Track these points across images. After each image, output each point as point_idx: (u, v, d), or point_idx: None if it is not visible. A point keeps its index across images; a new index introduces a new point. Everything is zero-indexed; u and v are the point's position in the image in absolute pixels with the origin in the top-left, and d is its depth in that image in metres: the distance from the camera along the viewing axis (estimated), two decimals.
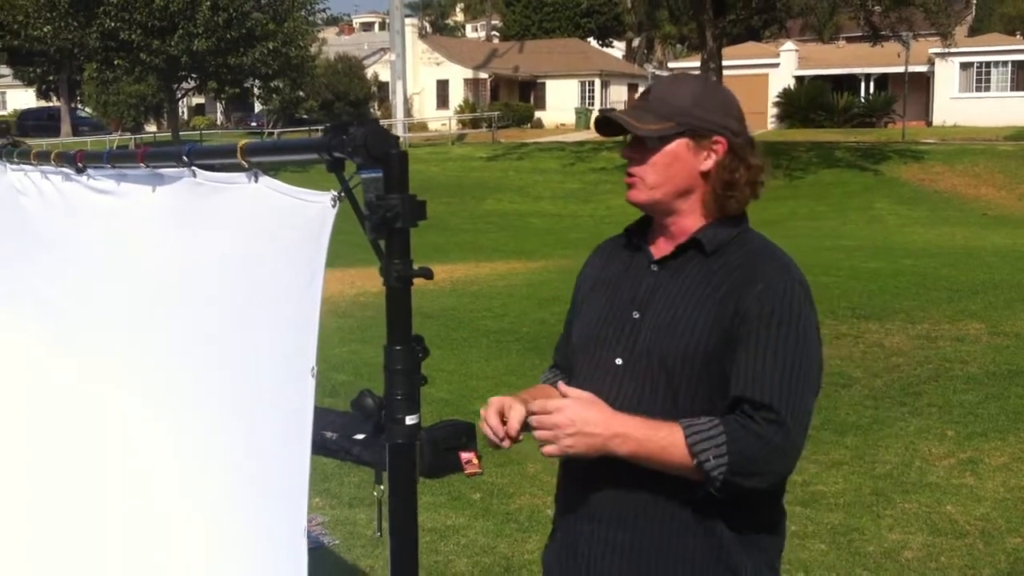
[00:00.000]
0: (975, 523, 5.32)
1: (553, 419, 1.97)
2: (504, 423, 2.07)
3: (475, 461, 2.38)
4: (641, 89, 57.90)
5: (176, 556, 2.26)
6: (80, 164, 2.66)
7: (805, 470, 6.12)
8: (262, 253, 1.90)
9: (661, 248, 2.19)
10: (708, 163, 2.12)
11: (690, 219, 2.15)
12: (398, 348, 1.71)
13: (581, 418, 1.97)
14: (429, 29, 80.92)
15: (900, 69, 41.64)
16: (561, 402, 2.00)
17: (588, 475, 2.13)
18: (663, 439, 1.97)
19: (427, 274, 1.69)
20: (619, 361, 2.14)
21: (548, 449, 1.98)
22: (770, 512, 2.19)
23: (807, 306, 2.07)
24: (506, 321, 11.12)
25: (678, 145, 2.11)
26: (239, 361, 2.01)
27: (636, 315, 2.14)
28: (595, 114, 2.18)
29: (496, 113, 49.29)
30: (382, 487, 1.87)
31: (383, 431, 1.77)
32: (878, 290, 12.32)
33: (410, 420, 1.74)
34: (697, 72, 34.40)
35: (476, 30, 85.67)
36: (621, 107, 2.19)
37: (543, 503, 5.65)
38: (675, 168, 2.12)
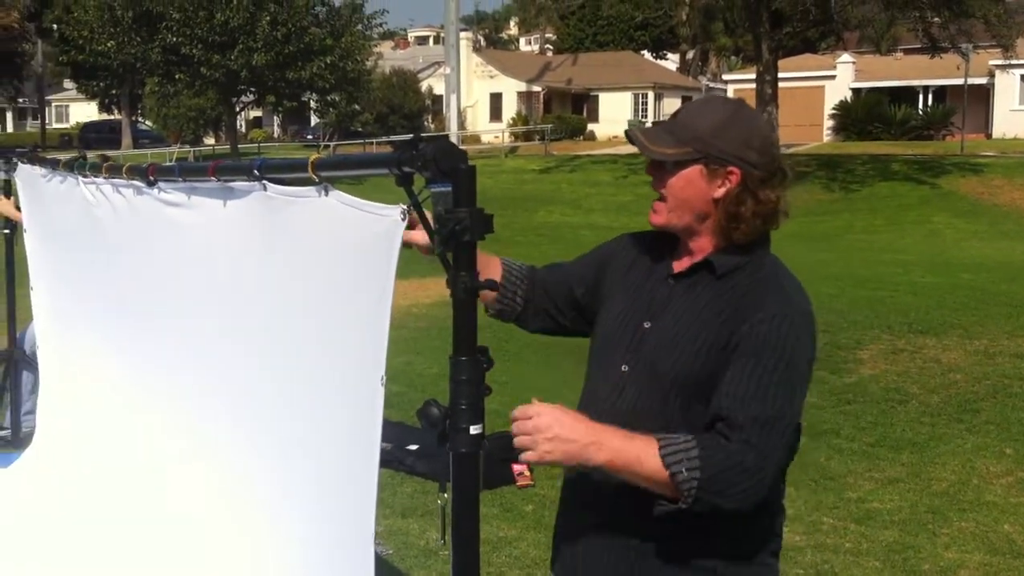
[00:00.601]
0: None
1: (532, 423, 1.99)
2: None
3: (527, 473, 2.42)
4: None
5: (248, 565, 2.32)
6: (152, 177, 2.73)
7: (860, 487, 6.08)
8: (333, 265, 1.95)
9: (681, 262, 2.24)
10: (721, 191, 2.14)
11: (707, 240, 2.20)
12: (463, 358, 1.75)
13: (559, 423, 1.99)
14: (483, 43, 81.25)
15: (959, 81, 41.08)
16: (539, 407, 2.02)
17: (585, 498, 2.21)
18: (638, 449, 2.01)
19: (494, 286, 1.74)
20: (624, 367, 2.20)
21: (527, 455, 1.98)
22: (763, 544, 2.22)
23: (802, 337, 2.09)
24: None
25: (692, 171, 2.14)
26: (312, 371, 2.06)
27: (647, 324, 2.20)
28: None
29: (549, 126, 49.35)
30: (446, 495, 1.91)
31: (447, 440, 1.82)
32: (935, 305, 12.18)
33: (474, 430, 1.79)
34: (752, 85, 34.23)
35: (530, 43, 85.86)
36: (662, 122, 2.24)
37: None
38: (688, 193, 2.15)
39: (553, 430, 1.98)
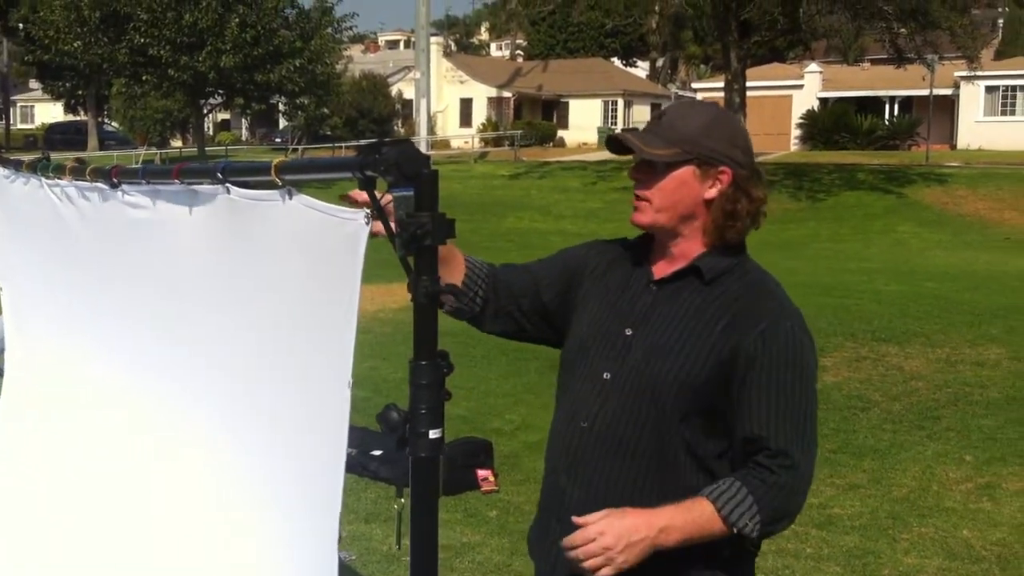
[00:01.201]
0: (991, 548, 5.32)
1: (601, 543, 2.01)
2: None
3: (491, 479, 2.43)
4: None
5: (210, 567, 2.32)
6: (115, 180, 2.72)
7: (822, 492, 6.14)
8: (298, 269, 1.96)
9: (661, 268, 2.23)
10: (712, 192, 2.16)
11: (691, 244, 2.20)
12: (423, 363, 1.76)
13: (624, 531, 2.02)
14: (454, 48, 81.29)
15: (925, 92, 41.52)
16: (599, 524, 2.03)
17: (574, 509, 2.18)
18: (699, 518, 2.05)
19: (455, 291, 1.75)
20: (607, 375, 2.19)
21: (604, 572, 2.01)
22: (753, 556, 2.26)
23: (806, 341, 2.15)
24: None
25: (685, 172, 2.15)
26: (278, 375, 2.06)
27: (628, 332, 2.19)
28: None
29: (519, 131, 49.43)
30: (403, 500, 1.92)
31: (407, 445, 1.82)
32: (899, 313, 12.30)
33: (433, 434, 1.79)
34: (721, 93, 34.45)
35: (500, 49, 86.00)
36: (643, 126, 2.24)
37: None
38: (680, 194, 2.16)
39: (621, 542, 2.01)
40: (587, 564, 2.01)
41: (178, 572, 2.42)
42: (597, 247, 2.40)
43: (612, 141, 2.24)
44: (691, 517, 2.04)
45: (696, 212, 2.17)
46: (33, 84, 64.62)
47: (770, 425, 2.07)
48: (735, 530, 2.04)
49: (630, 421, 2.14)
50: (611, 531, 2.00)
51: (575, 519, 2.06)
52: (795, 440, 2.08)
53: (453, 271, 2.32)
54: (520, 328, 2.44)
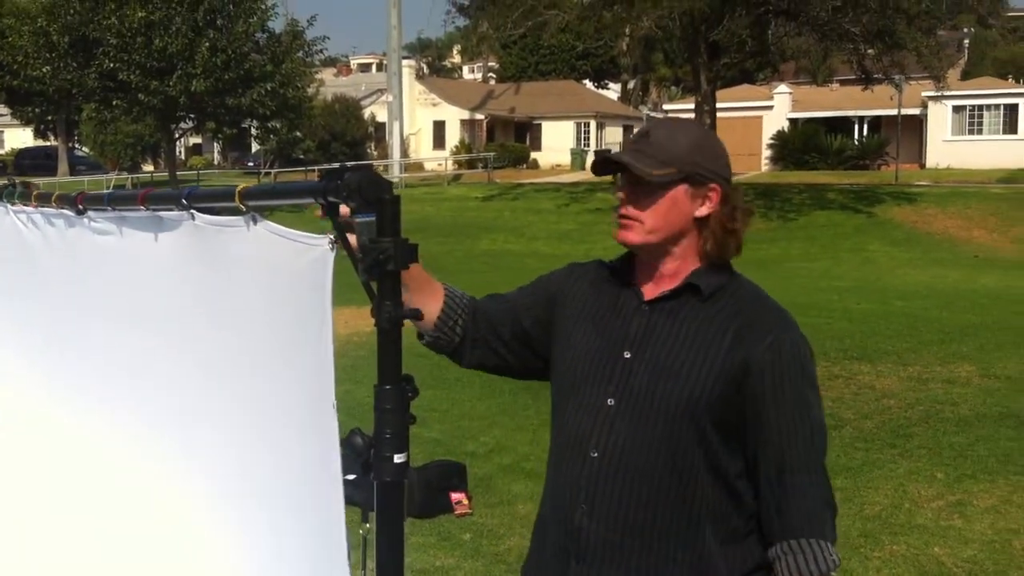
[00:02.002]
0: (962, 565, 5.35)
1: None
2: None
3: (465, 502, 2.41)
4: (635, 130, 58.14)
5: None
6: (81, 206, 2.71)
7: None
8: (268, 295, 1.95)
9: (650, 288, 2.21)
10: (703, 210, 2.16)
11: (680, 263, 2.19)
12: (387, 387, 1.76)
13: None
14: (426, 70, 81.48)
15: (893, 112, 41.96)
16: None
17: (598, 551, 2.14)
18: None
19: (417, 315, 1.75)
20: (611, 401, 2.14)
21: None
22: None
23: (810, 356, 2.17)
24: None
25: (678, 191, 2.15)
26: (260, 403, 2.04)
27: (627, 355, 2.15)
28: (591, 155, 2.18)
29: (492, 154, 49.56)
30: (368, 525, 1.91)
31: (371, 470, 1.82)
32: (870, 331, 12.39)
33: (398, 459, 1.78)
34: (691, 115, 34.67)
35: (473, 71, 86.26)
36: (616, 148, 2.26)
37: None
38: (673, 213, 2.15)
39: None
40: None
41: None
42: (576, 271, 2.38)
43: (603, 163, 2.21)
44: None
45: (686, 230, 2.17)
46: (2, 109, 64.21)
47: (792, 439, 2.08)
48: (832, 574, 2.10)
49: (643, 446, 2.10)
50: None
51: None
52: (815, 448, 2.11)
53: (431, 300, 2.30)
54: (502, 360, 2.38)
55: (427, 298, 2.29)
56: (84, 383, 2.78)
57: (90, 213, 2.66)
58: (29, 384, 3.03)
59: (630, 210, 2.17)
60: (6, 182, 3.35)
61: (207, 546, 2.30)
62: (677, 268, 2.19)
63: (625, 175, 2.17)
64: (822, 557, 2.08)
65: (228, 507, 2.22)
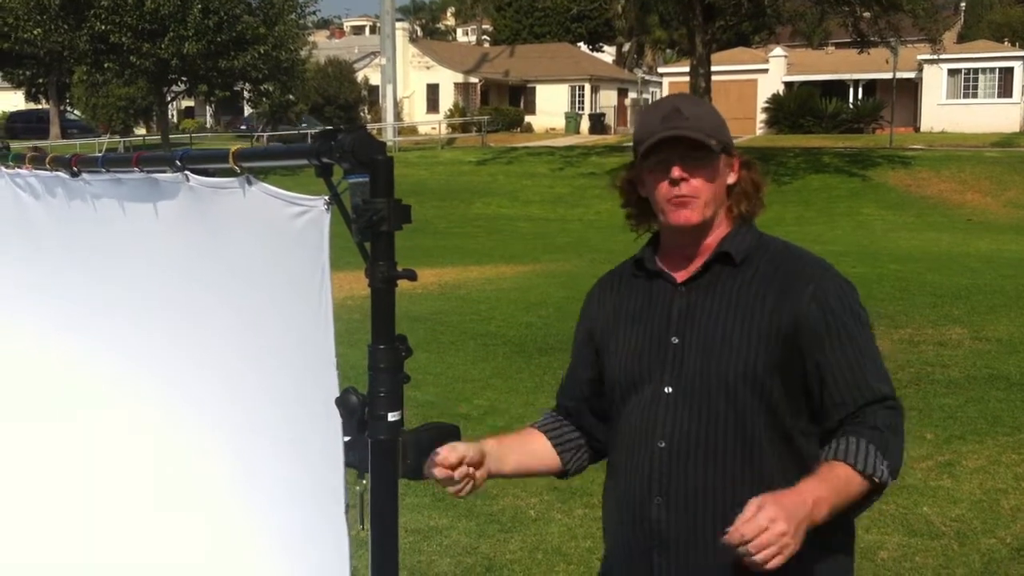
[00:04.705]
0: (951, 524, 5.42)
1: (776, 531, 1.84)
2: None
3: None
4: (631, 94, 58.00)
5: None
6: (75, 168, 2.72)
7: None
8: (265, 255, 1.97)
9: (681, 269, 2.20)
10: (732, 177, 2.19)
11: (714, 234, 2.19)
12: (382, 347, 1.78)
13: (792, 513, 1.88)
14: (420, 33, 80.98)
15: (888, 75, 41.84)
16: (768, 511, 1.86)
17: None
18: (838, 482, 1.99)
19: (411, 275, 1.77)
20: (669, 389, 2.13)
21: (776, 562, 1.85)
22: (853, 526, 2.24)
23: (854, 292, 2.18)
24: (493, 324, 11.19)
25: (723, 162, 2.17)
26: (260, 361, 2.06)
27: (675, 340, 2.14)
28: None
29: (486, 117, 49.35)
30: (364, 482, 1.94)
31: (366, 428, 1.84)
32: (863, 295, 12.08)
33: (392, 417, 1.81)
34: (687, 78, 34.53)
35: (467, 34, 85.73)
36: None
37: (526, 504, 5.73)
38: (719, 184, 2.17)
39: (792, 524, 1.86)
40: (759, 557, 1.84)
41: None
42: (595, 293, 2.37)
43: (657, 143, 2.12)
44: (832, 484, 1.97)
45: (723, 200, 2.19)
46: None
47: (859, 381, 2.08)
48: (876, 480, 2.01)
49: (710, 426, 2.09)
50: (781, 516, 1.85)
51: (731, 529, 1.88)
52: (884, 381, 2.10)
53: (535, 448, 2.30)
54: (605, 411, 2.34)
55: (530, 448, 2.31)
56: (86, 343, 2.80)
57: (84, 175, 2.67)
58: (34, 348, 3.05)
59: (691, 185, 2.13)
60: None
61: (207, 498, 2.33)
62: (710, 241, 2.19)
63: (675, 153, 2.12)
64: (875, 460, 2.01)
65: (230, 462, 2.25)
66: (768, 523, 1.84)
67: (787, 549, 1.85)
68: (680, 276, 2.19)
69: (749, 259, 2.16)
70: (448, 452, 2.02)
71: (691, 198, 2.13)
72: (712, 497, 2.07)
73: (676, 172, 2.11)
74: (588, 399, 2.34)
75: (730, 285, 2.14)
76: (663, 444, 2.12)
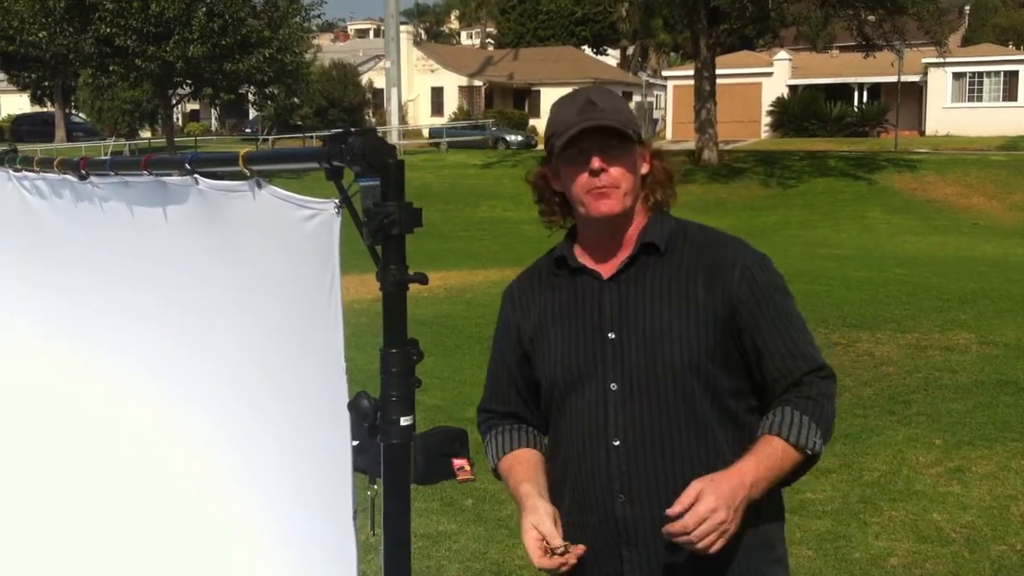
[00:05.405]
0: (960, 531, 5.38)
1: (716, 520, 1.94)
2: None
3: (467, 468, 2.39)
4: (636, 98, 58.04)
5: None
6: (83, 171, 2.70)
7: None
8: (275, 258, 1.95)
9: (605, 263, 2.19)
10: (645, 167, 2.20)
11: (634, 225, 2.19)
12: (393, 351, 1.76)
13: (729, 499, 1.97)
14: (424, 36, 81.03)
15: (893, 79, 41.82)
16: (707, 501, 1.94)
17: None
18: (773, 457, 2.06)
19: (422, 279, 1.75)
20: (614, 386, 2.12)
21: (719, 544, 1.96)
22: (779, 493, 2.27)
23: (773, 264, 2.22)
24: None
25: (637, 151, 2.17)
26: (265, 362, 2.05)
27: (612, 336, 2.14)
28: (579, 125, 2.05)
29: (490, 120, 49.35)
30: (375, 487, 1.92)
31: (378, 433, 1.82)
32: (869, 299, 12.40)
33: (404, 421, 1.79)
34: (691, 81, 34.52)
35: (471, 37, 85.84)
36: (584, 114, 2.20)
37: None
38: (636, 174, 2.17)
39: (731, 511, 1.96)
40: (702, 544, 1.94)
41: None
42: (514, 294, 2.34)
43: (578, 135, 2.11)
44: (768, 463, 2.05)
45: (639, 190, 2.20)
46: None
47: (795, 351, 2.13)
48: (808, 452, 2.07)
49: (663, 418, 2.10)
50: (720, 503, 1.95)
51: (670, 511, 1.97)
52: (815, 348, 2.16)
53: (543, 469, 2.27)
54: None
55: (537, 473, 2.25)
56: (96, 346, 2.78)
57: (93, 178, 2.65)
58: (43, 351, 3.04)
59: (611, 175, 2.12)
60: (6, 148, 3.35)
61: (214, 502, 2.32)
62: (631, 233, 2.18)
63: (594, 144, 2.11)
64: (807, 432, 2.07)
65: (238, 465, 2.23)
66: (708, 513, 1.93)
67: (727, 533, 1.96)
68: (605, 270, 2.19)
69: (672, 247, 2.17)
70: (551, 538, 2.04)
71: (612, 188, 2.12)
72: (674, 488, 2.06)
73: (596, 162, 2.11)
74: (524, 400, 2.32)
75: (659, 275, 2.15)
76: (618, 442, 2.12)
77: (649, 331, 2.11)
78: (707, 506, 1.94)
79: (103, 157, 2.79)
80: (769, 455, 2.05)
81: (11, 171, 3.15)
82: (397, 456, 1.78)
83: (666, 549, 2.08)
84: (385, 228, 1.69)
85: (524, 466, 2.23)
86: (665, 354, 2.09)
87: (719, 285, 2.11)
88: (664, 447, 2.10)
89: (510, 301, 2.34)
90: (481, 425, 2.39)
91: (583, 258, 2.22)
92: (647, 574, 2.12)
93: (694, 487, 1.96)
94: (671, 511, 1.96)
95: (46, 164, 2.92)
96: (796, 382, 2.12)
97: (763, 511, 2.14)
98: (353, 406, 1.78)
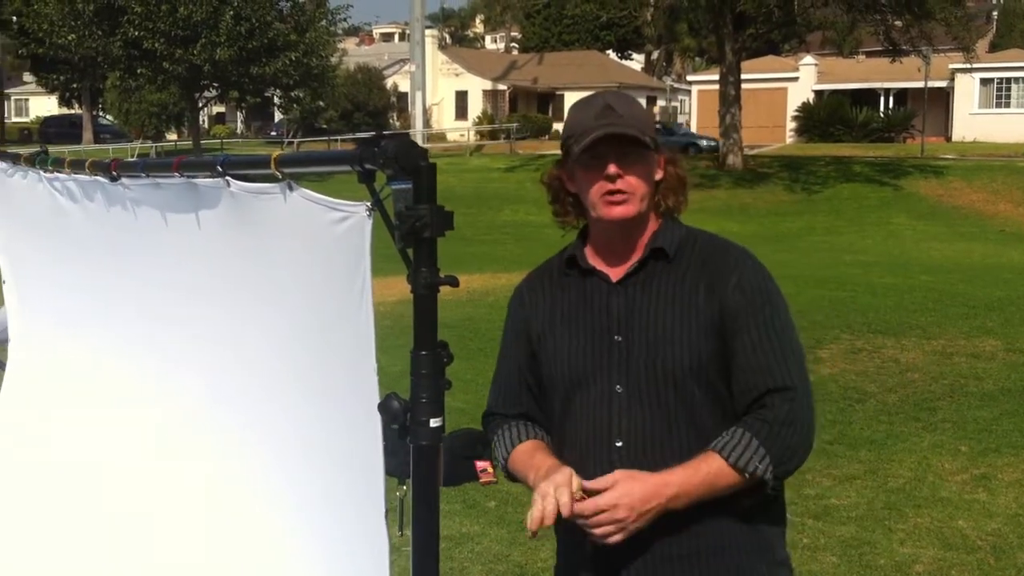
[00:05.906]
0: (986, 538, 5.35)
1: (615, 515, 1.99)
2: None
3: (490, 470, 2.40)
4: (660, 102, 57.94)
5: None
6: (115, 173, 2.73)
7: (818, 484, 6.16)
8: (307, 260, 1.96)
9: (614, 267, 2.21)
10: (660, 173, 2.21)
11: (646, 230, 2.21)
12: (424, 353, 1.78)
13: (637, 502, 2.00)
14: (449, 40, 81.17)
15: (920, 84, 41.58)
16: (612, 495, 2.00)
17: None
18: (708, 475, 2.04)
19: (453, 282, 1.76)
20: (619, 388, 2.14)
21: (616, 538, 2.01)
22: (781, 498, 2.26)
23: (771, 278, 2.20)
24: None
25: (653, 157, 2.19)
26: (297, 367, 2.06)
27: (619, 339, 2.15)
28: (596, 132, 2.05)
29: (514, 124, 49.40)
30: (404, 488, 1.93)
31: (408, 434, 1.84)
32: (894, 305, 12.33)
33: (434, 423, 1.80)
34: (716, 86, 34.42)
35: (495, 41, 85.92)
36: (604, 121, 2.20)
37: None
38: (651, 180, 2.19)
39: (634, 512, 2.00)
40: (597, 532, 2.00)
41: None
42: (524, 293, 2.36)
43: (595, 142, 2.12)
44: (700, 477, 2.04)
45: (653, 196, 2.21)
46: (27, 77, 64.44)
47: (764, 367, 2.10)
48: (747, 475, 2.04)
49: (663, 422, 2.12)
50: (624, 503, 1.99)
51: (586, 484, 2.01)
52: (793, 366, 2.12)
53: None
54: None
55: (548, 462, 2.22)
56: (129, 347, 2.80)
57: (124, 180, 2.67)
58: (68, 354, 3.06)
59: (627, 182, 2.14)
60: (38, 149, 3.38)
61: (245, 503, 2.33)
62: (643, 238, 2.20)
63: (611, 150, 2.13)
64: (751, 455, 2.04)
65: (270, 466, 2.25)
66: (608, 507, 1.99)
67: (626, 529, 2.01)
68: (614, 274, 2.20)
69: (680, 253, 2.19)
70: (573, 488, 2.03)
71: (627, 194, 2.14)
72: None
73: (612, 169, 2.13)
74: (536, 399, 2.32)
75: (666, 281, 2.17)
76: (620, 443, 2.14)
77: (653, 335, 2.14)
78: (609, 500, 1.99)
79: (131, 159, 2.81)
80: (703, 472, 2.04)
81: (42, 172, 3.18)
82: (426, 457, 1.79)
83: (666, 549, 2.11)
84: (417, 231, 1.70)
85: (542, 451, 2.24)
86: (667, 359, 2.12)
87: (716, 292, 2.13)
88: (664, 450, 2.12)
89: (519, 300, 2.36)
90: (487, 427, 2.41)
91: (594, 260, 2.24)
92: (646, 574, 2.13)
93: (613, 477, 2.01)
94: (588, 485, 2.01)
95: (77, 166, 2.94)
96: (758, 400, 2.09)
97: (758, 514, 2.15)
98: (383, 408, 1.79)
